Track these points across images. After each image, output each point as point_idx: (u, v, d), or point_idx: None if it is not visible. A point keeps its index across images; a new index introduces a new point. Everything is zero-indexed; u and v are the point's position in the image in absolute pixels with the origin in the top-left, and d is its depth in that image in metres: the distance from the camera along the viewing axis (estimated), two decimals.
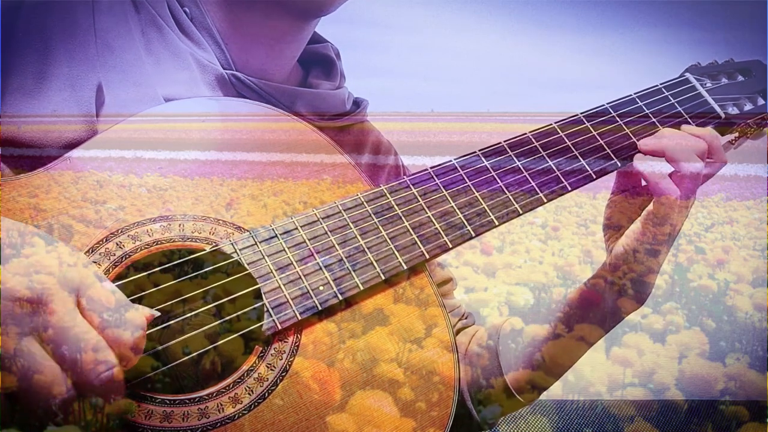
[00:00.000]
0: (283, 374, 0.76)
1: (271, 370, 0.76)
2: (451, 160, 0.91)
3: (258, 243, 0.81)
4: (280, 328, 0.77)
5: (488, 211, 0.88)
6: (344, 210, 0.85)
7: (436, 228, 0.86)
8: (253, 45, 1.02)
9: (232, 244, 0.80)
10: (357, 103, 1.13)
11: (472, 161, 0.91)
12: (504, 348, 1.02)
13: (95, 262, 0.75)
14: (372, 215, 0.85)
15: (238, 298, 0.78)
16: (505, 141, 0.93)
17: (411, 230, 0.85)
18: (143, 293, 0.74)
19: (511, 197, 0.89)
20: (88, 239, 0.77)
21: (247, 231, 0.82)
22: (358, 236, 0.84)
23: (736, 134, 1.00)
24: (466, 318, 1.10)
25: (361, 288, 0.81)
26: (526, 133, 0.94)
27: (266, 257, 0.80)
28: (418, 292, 0.84)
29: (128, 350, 0.65)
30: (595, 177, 0.93)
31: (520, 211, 0.89)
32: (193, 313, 0.77)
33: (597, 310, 0.98)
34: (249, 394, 0.75)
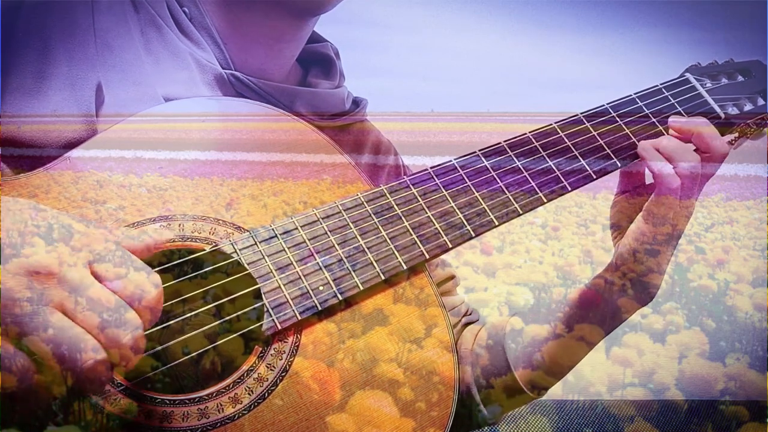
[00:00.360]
0: (283, 374, 0.76)
1: (271, 370, 0.76)
2: (451, 160, 0.91)
3: (258, 243, 0.81)
4: (280, 328, 0.77)
5: (488, 211, 0.88)
6: (344, 210, 0.85)
7: (436, 228, 0.86)
8: (252, 44, 1.02)
9: (232, 244, 0.80)
10: (356, 103, 1.13)
11: (472, 161, 0.91)
12: (504, 348, 1.02)
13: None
14: (372, 215, 0.85)
15: (237, 298, 0.78)
16: (505, 141, 0.93)
17: (411, 230, 0.85)
18: None
19: (511, 197, 0.89)
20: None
21: (247, 231, 0.82)
22: (358, 236, 0.84)
23: (736, 134, 1.00)
24: (470, 314, 1.10)
25: (361, 288, 0.81)
26: (526, 133, 0.94)
27: (266, 257, 0.80)
28: (417, 292, 0.84)
29: (128, 350, 0.65)
30: (595, 177, 0.93)
31: (520, 211, 0.89)
32: (192, 313, 0.77)
33: (597, 310, 0.98)
34: (249, 394, 0.74)
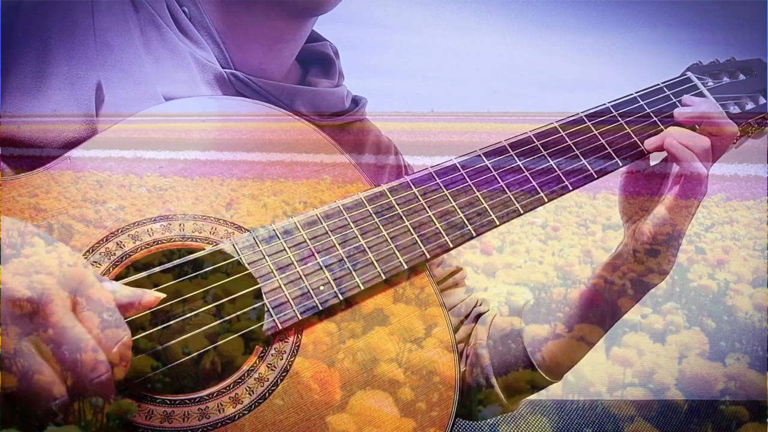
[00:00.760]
0: (284, 374, 0.76)
1: (272, 370, 0.76)
2: (451, 160, 0.91)
3: (258, 243, 0.80)
4: (280, 328, 0.77)
5: (489, 210, 0.88)
6: (345, 210, 0.85)
7: (437, 227, 0.86)
8: (251, 44, 1.02)
9: (232, 244, 0.80)
10: (356, 102, 1.13)
11: (473, 161, 0.91)
12: (504, 348, 1.02)
13: (95, 263, 0.75)
14: (372, 215, 0.85)
15: (238, 298, 0.78)
16: (506, 140, 0.93)
17: (411, 230, 0.85)
18: None
19: (511, 197, 0.89)
20: (88, 239, 0.77)
21: (248, 231, 0.82)
22: (358, 236, 0.83)
23: (738, 133, 1.00)
24: (480, 305, 1.10)
25: (362, 288, 0.81)
26: (527, 133, 0.93)
27: (266, 257, 0.80)
28: (418, 291, 0.84)
29: (128, 350, 0.65)
30: (596, 177, 0.93)
31: (521, 211, 0.89)
32: (193, 313, 0.76)
33: (597, 309, 0.98)
34: (249, 394, 0.74)
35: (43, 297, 0.62)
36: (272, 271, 0.79)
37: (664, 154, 0.96)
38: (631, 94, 0.99)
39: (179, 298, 0.76)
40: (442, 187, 0.88)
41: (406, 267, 0.83)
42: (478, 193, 0.89)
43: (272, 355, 0.77)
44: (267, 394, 0.75)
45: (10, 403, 0.61)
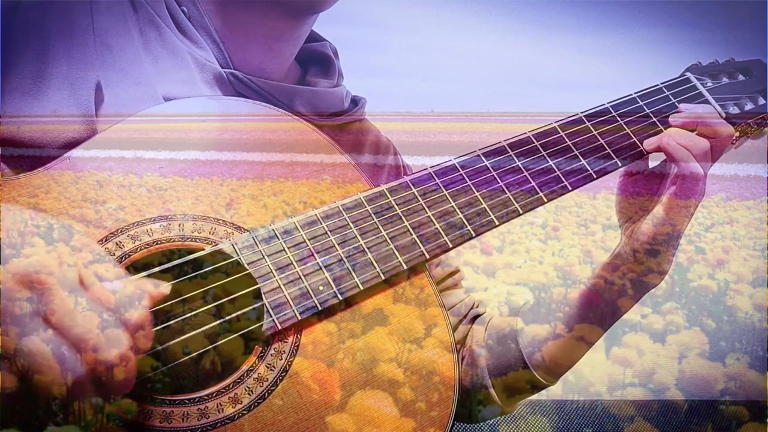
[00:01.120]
0: (283, 374, 0.76)
1: (271, 370, 0.76)
2: (451, 160, 0.91)
3: (258, 243, 0.81)
4: (279, 328, 0.77)
5: (488, 210, 0.88)
6: (344, 210, 0.85)
7: (436, 228, 0.86)
8: (250, 43, 1.02)
9: (232, 244, 0.80)
10: (355, 102, 1.13)
11: (473, 161, 0.91)
12: (503, 348, 1.02)
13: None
14: (372, 215, 0.85)
15: (237, 298, 0.78)
16: (505, 141, 0.93)
17: (411, 230, 0.85)
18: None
19: (511, 197, 0.89)
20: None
21: (247, 231, 0.82)
22: (358, 236, 0.83)
23: (737, 134, 1.00)
24: (476, 307, 1.10)
25: (361, 288, 0.81)
26: (526, 133, 0.93)
27: (266, 257, 0.80)
28: (417, 291, 0.84)
29: (128, 350, 0.65)
30: (595, 177, 0.93)
31: (521, 211, 0.89)
32: (192, 313, 0.76)
33: (597, 309, 0.98)
34: (249, 394, 0.74)
35: (43, 297, 0.62)
36: (272, 271, 0.79)
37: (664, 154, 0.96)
38: (631, 95, 0.99)
39: (179, 298, 0.76)
40: (442, 188, 0.88)
41: (405, 267, 0.83)
42: (477, 194, 0.89)
43: (272, 355, 0.77)
44: (266, 394, 0.75)
45: (10, 403, 0.61)
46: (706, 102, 0.99)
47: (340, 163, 0.91)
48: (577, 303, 0.99)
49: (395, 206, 0.86)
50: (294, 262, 0.80)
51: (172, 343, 0.74)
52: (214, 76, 0.98)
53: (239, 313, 0.77)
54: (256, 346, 0.77)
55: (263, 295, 0.78)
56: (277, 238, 0.81)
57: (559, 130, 0.94)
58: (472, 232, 0.87)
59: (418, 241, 0.85)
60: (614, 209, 1.02)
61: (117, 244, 0.78)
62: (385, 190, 0.87)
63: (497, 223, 0.88)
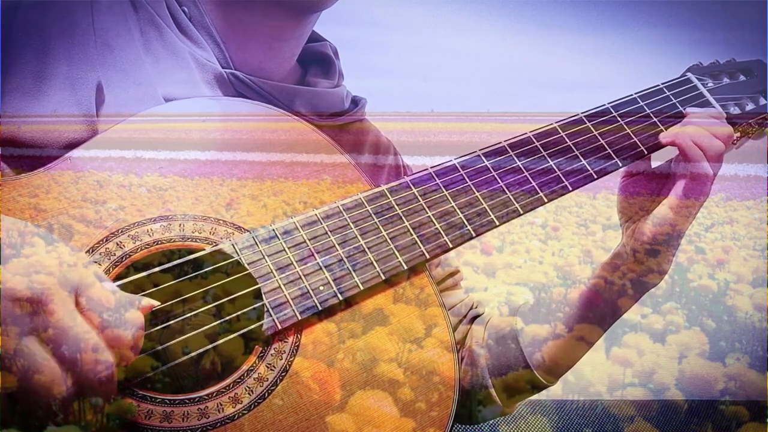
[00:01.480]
0: (283, 374, 0.76)
1: (271, 370, 0.76)
2: (451, 160, 0.91)
3: (258, 243, 0.81)
4: (280, 328, 0.77)
5: (489, 210, 0.88)
6: (344, 210, 0.85)
7: (437, 228, 0.86)
8: (251, 43, 1.02)
9: (232, 244, 0.80)
10: (355, 102, 1.13)
11: (473, 161, 0.91)
12: (503, 348, 1.02)
13: (95, 262, 0.75)
14: (372, 215, 0.85)
15: (238, 298, 0.78)
16: (505, 141, 0.93)
17: (411, 230, 0.85)
18: (143, 293, 0.74)
19: (511, 197, 0.89)
20: (88, 239, 0.77)
21: (247, 231, 0.82)
22: (358, 236, 0.83)
23: (738, 134, 1.00)
24: (476, 307, 1.10)
25: (361, 288, 0.81)
26: (526, 133, 0.93)
27: (266, 257, 0.80)
28: (418, 292, 0.84)
29: (128, 350, 0.65)
30: (596, 177, 0.93)
31: (521, 211, 0.89)
32: (193, 313, 0.76)
33: (597, 310, 0.98)
34: (249, 394, 0.74)
35: (43, 297, 0.62)
36: (272, 271, 0.79)
37: (664, 155, 0.96)
38: (631, 95, 0.99)
39: (179, 298, 0.76)
40: (442, 188, 0.88)
41: (405, 267, 0.83)
42: (477, 194, 0.89)
43: (272, 355, 0.77)
44: (266, 394, 0.75)
45: (10, 403, 0.61)
46: (707, 102, 0.99)
47: (340, 163, 0.91)
48: (577, 303, 0.99)
49: (395, 206, 0.86)
50: (294, 262, 0.80)
51: (172, 343, 0.74)
52: (215, 76, 0.98)
53: (239, 313, 0.77)
54: (256, 346, 0.77)
55: (263, 295, 0.78)
56: (278, 238, 0.81)
57: (559, 130, 0.94)
58: (473, 232, 0.87)
59: (418, 241, 0.85)
60: (615, 209, 1.02)
61: (117, 244, 0.78)
62: (386, 190, 0.87)
63: (497, 223, 0.88)
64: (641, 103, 0.98)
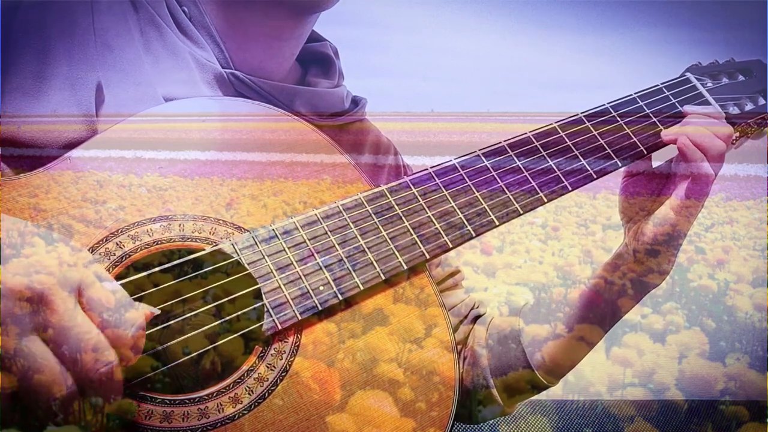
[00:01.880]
0: (283, 374, 0.76)
1: (271, 370, 0.76)
2: (451, 160, 0.91)
3: (258, 243, 0.81)
4: (280, 328, 0.77)
5: (488, 210, 0.88)
6: (344, 210, 0.85)
7: (437, 228, 0.86)
8: (251, 43, 1.02)
9: (232, 244, 0.80)
10: (355, 102, 1.13)
11: (473, 161, 0.91)
12: (504, 348, 1.02)
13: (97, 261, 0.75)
14: (372, 215, 0.85)
15: (238, 298, 0.78)
16: (505, 141, 0.93)
17: (411, 230, 0.85)
18: (143, 293, 0.74)
19: (511, 197, 0.89)
20: (88, 239, 0.77)
21: (247, 231, 0.82)
22: (358, 236, 0.83)
23: (737, 134, 1.00)
24: (477, 307, 1.10)
25: (361, 288, 0.81)
26: (526, 133, 0.93)
27: (266, 257, 0.80)
28: (418, 292, 0.84)
29: (128, 350, 0.65)
30: (595, 177, 0.93)
31: (521, 211, 0.89)
32: (193, 313, 0.76)
33: (598, 310, 0.98)
34: (249, 394, 0.74)
35: (44, 296, 0.62)
36: (272, 272, 0.79)
37: (664, 155, 0.96)
38: (631, 95, 0.99)
39: (179, 298, 0.76)
40: (442, 188, 0.88)
41: (405, 267, 0.83)
42: (477, 194, 0.89)
43: (272, 355, 0.77)
44: (266, 394, 0.75)
45: (10, 403, 0.61)
46: (706, 102, 0.99)
47: (340, 163, 0.91)
48: (578, 303, 0.99)
49: (395, 206, 0.86)
50: (294, 262, 0.80)
51: (172, 343, 0.74)
52: (215, 76, 0.98)
53: (239, 313, 0.77)
54: (257, 346, 0.77)
55: (263, 295, 0.78)
56: (278, 238, 0.81)
57: (559, 130, 0.94)
58: (472, 232, 0.87)
59: (418, 241, 0.85)
60: (616, 209, 1.02)
61: (117, 244, 0.78)
62: (385, 190, 0.87)
63: (497, 223, 0.88)
64: (641, 103, 0.98)
